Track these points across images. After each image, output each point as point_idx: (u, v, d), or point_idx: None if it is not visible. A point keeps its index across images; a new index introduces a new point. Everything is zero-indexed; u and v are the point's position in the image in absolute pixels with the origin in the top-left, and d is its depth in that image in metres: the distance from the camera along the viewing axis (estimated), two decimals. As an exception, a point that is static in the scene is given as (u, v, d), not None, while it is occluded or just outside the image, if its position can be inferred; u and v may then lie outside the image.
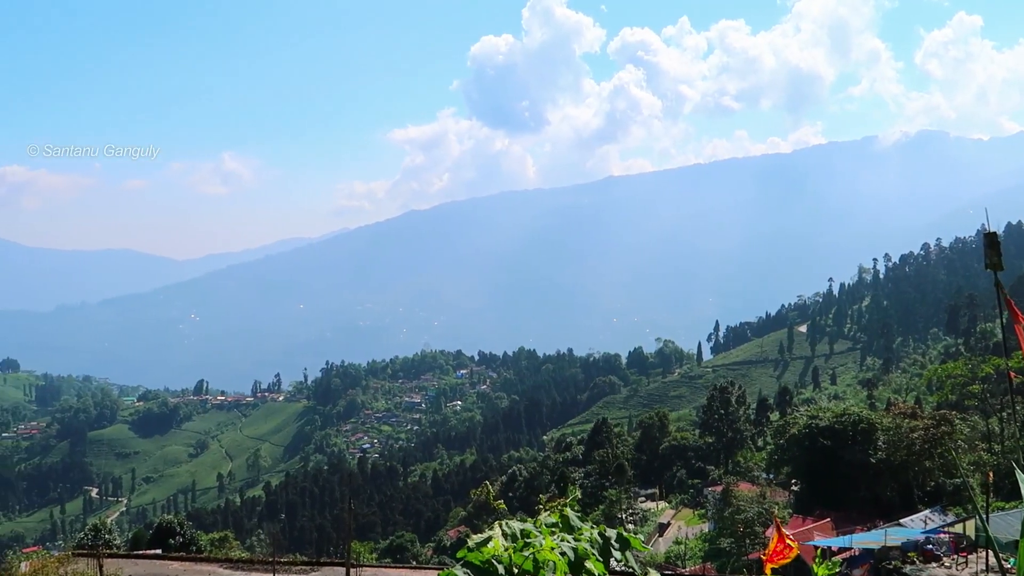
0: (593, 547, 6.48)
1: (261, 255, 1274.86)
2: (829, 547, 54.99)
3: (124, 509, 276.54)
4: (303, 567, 32.29)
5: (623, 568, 6.81)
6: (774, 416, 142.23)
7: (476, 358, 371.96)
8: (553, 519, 6.72)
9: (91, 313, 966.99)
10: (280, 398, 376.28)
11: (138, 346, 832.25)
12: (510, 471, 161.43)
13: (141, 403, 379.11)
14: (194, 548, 68.53)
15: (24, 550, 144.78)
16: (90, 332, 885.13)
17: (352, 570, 29.04)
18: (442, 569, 5.89)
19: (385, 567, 34.04)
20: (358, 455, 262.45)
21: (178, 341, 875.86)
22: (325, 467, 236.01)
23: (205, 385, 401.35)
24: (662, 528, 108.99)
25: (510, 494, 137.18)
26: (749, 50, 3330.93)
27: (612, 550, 6.60)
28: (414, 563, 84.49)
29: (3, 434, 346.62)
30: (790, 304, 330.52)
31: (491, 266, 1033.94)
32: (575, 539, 6.46)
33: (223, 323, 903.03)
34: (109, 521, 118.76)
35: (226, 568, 33.02)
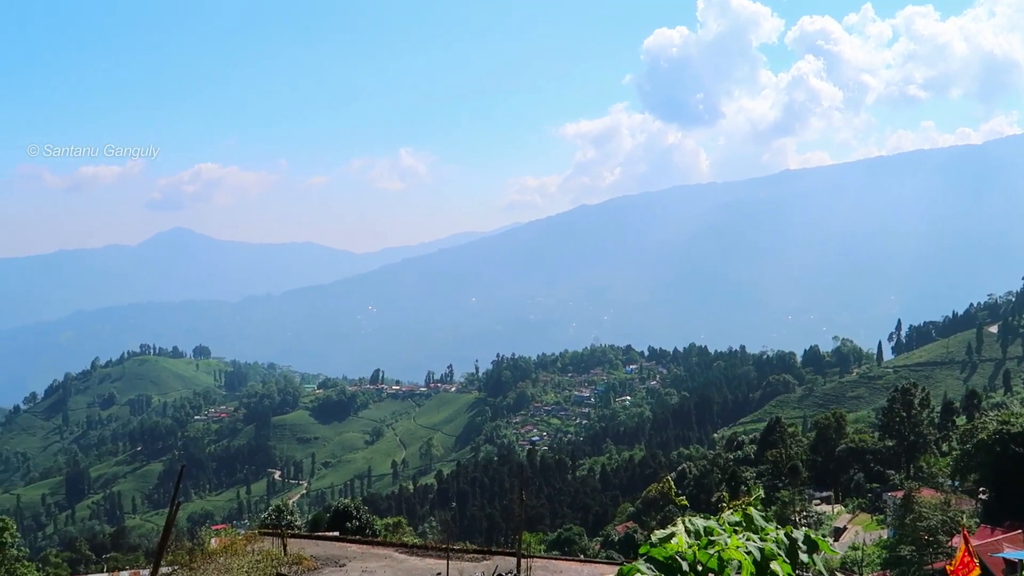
0: (779, 548, 6.39)
1: (435, 249, 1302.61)
2: (1020, 560, 52.18)
3: (304, 492, 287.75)
4: (475, 555, 32.68)
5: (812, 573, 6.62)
6: (960, 420, 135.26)
7: (646, 353, 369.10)
8: (736, 518, 6.65)
9: (276, 304, 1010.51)
10: (452, 389, 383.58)
11: (318, 336, 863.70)
12: (679, 468, 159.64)
13: (321, 391, 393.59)
14: (369, 532, 70.79)
15: (214, 527, 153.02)
16: (274, 322, 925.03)
17: (523, 560, 29.28)
18: (611, 563, 5.94)
19: (554, 559, 34.17)
20: (527, 447, 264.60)
21: (356, 331, 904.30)
22: (495, 458, 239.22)
23: (381, 375, 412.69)
24: (837, 532, 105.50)
25: (679, 492, 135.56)
26: (938, 36, 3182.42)
27: (799, 552, 6.50)
28: (582, 556, 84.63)
29: (196, 417, 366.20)
30: (979, 303, 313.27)
31: (662, 261, 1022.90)
32: (760, 539, 6.38)
33: (398, 315, 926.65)
34: (291, 503, 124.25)
35: (401, 552, 33.78)
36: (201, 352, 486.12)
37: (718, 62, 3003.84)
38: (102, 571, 71.92)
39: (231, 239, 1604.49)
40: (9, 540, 68.43)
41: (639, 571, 5.95)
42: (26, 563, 71.90)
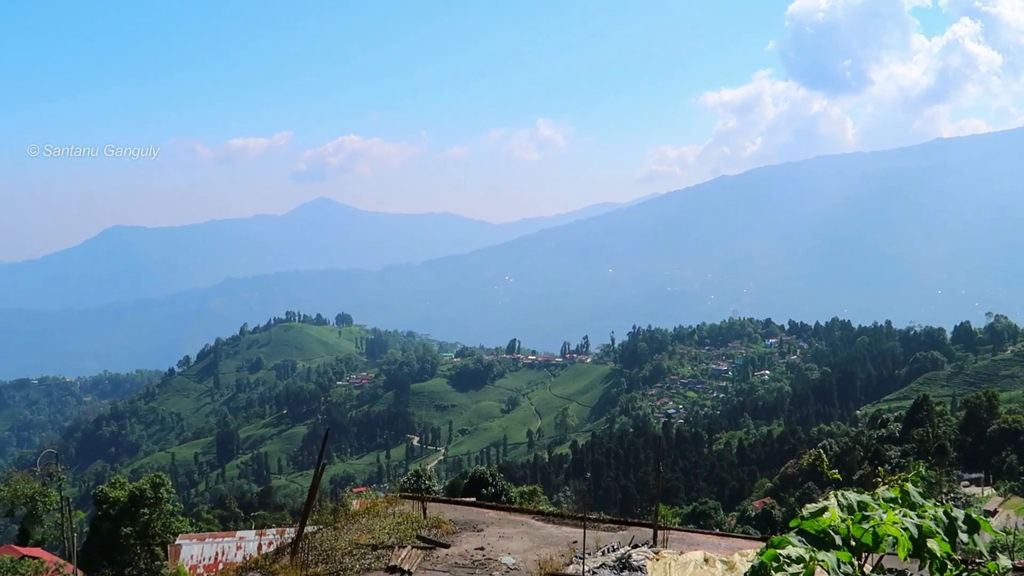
0: (938, 526, 6.22)
1: (572, 220, 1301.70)
2: None
3: (442, 458, 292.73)
4: (611, 525, 32.63)
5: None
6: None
7: (786, 327, 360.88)
8: (892, 494, 6.57)
9: (415, 273, 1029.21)
10: (588, 360, 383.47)
11: (456, 305, 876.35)
12: (820, 444, 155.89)
13: (459, 359, 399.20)
14: (505, 499, 71.55)
15: (354, 489, 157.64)
16: (414, 291, 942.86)
17: (659, 532, 29.11)
18: (748, 538, 5.89)
19: (691, 531, 33.83)
20: (663, 419, 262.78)
21: (492, 301, 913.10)
22: (630, 429, 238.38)
23: (517, 344, 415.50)
24: (987, 515, 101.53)
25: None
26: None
27: (958, 531, 6.31)
28: (717, 531, 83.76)
29: (338, 382, 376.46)
30: None
31: (804, 233, 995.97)
32: (918, 516, 6.23)
33: (535, 285, 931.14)
34: (428, 468, 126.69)
35: (537, 520, 33.99)
36: (343, 319, 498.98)
37: (867, 27, 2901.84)
38: (250, 528, 74.97)
39: (372, 209, 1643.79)
40: (165, 495, 71.94)
41: (791, 544, 5.85)
42: (180, 518, 75.48)
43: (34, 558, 55.66)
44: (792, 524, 6.14)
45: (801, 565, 5.73)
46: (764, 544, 5.87)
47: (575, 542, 29.28)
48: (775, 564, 5.75)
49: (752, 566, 5.85)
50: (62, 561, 57.04)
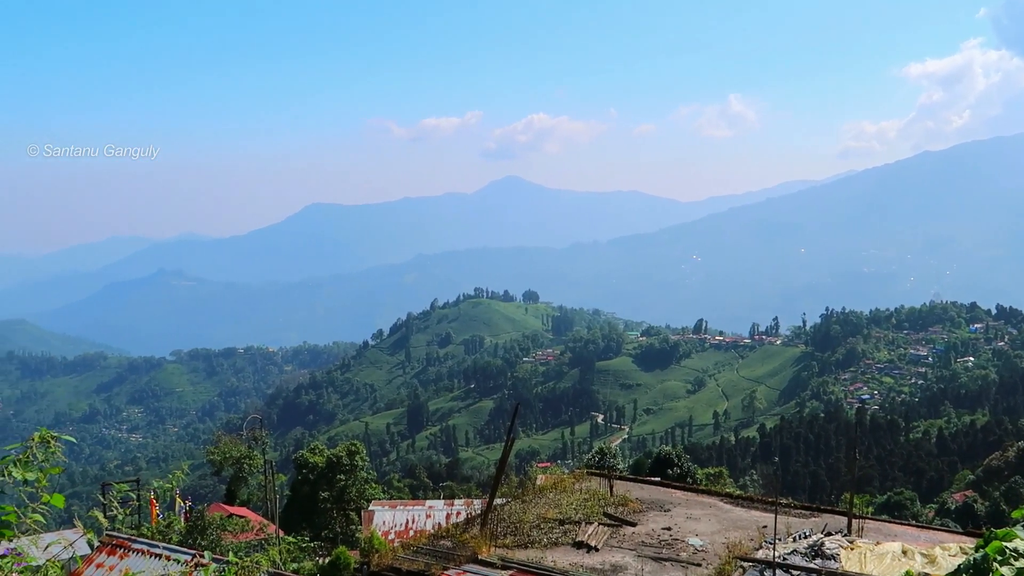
0: None
1: (763, 198, 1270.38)
2: None
3: (626, 436, 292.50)
4: (802, 511, 31.86)
5: None
6: None
7: (993, 312, 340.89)
8: None
9: (601, 251, 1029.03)
10: (777, 342, 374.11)
11: (642, 283, 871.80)
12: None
13: (644, 338, 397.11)
14: (690, 480, 70.94)
15: (539, 464, 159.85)
16: (599, 268, 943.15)
17: (853, 520, 28.23)
18: (949, 531, 5.64)
19: (887, 521, 32.63)
20: (856, 405, 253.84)
21: (679, 280, 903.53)
22: (821, 414, 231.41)
23: (704, 324, 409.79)
24: None
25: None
26: None
27: None
28: (914, 522, 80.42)
29: (524, 358, 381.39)
30: None
31: (1015, 213, 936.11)
32: None
33: (723, 264, 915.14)
34: (613, 446, 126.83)
35: (725, 502, 33.55)
36: (530, 296, 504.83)
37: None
38: (439, 498, 77.14)
39: (560, 187, 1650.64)
40: (360, 463, 75.15)
41: (1018, 537, 5.57)
42: (373, 485, 78.65)
43: (241, 517, 59.07)
44: (1015, 515, 5.90)
45: (1029, 559, 5.35)
46: (970, 537, 5.79)
47: (765, 527, 28.75)
48: (1000, 557, 5.41)
49: (971, 559, 5.49)
50: (265, 521, 60.33)
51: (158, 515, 45.11)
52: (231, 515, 57.04)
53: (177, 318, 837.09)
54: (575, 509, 30.48)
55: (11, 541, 4.35)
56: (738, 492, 45.64)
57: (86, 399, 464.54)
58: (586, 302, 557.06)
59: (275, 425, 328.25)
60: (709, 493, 36.16)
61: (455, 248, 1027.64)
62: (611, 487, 33.31)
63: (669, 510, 31.60)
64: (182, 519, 45.05)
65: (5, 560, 4.64)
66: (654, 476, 56.79)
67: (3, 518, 4.96)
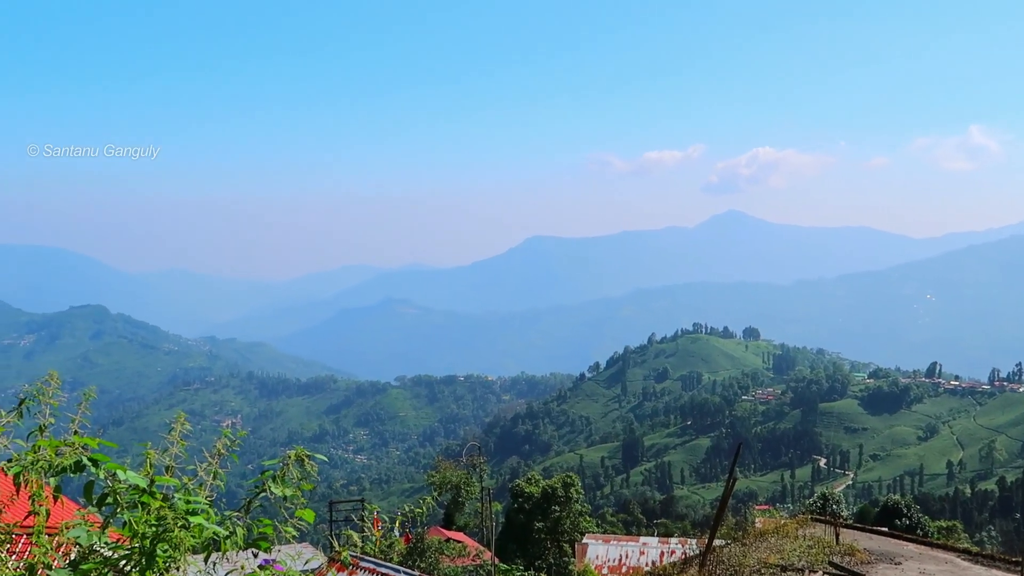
0: None
1: (1006, 234, 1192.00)
2: None
3: (850, 483, 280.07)
4: (1052, 574, 29.33)
5: None
6: None
7: None
8: None
9: (827, 288, 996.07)
10: (1020, 388, 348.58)
11: (869, 322, 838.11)
12: None
13: (871, 380, 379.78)
14: (920, 532, 66.92)
15: (757, 507, 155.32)
16: (824, 306, 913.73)
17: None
18: None
19: None
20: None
21: (910, 320, 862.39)
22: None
23: (938, 368, 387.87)
24: None
25: None
26: None
27: None
28: None
29: (743, 397, 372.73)
30: None
31: None
32: None
33: (960, 304, 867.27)
34: (836, 492, 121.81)
35: (964, 559, 31.34)
36: (750, 333, 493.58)
37: None
38: (653, 535, 76.22)
39: (784, 222, 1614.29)
40: (575, 495, 75.31)
41: None
42: (588, 518, 78.60)
43: (458, 541, 60.34)
44: None
45: None
46: None
47: (1008, 589, 26.65)
48: None
49: None
50: (481, 547, 61.31)
51: (380, 535, 46.56)
52: (448, 539, 58.32)
53: (402, 344, 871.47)
54: (798, 556, 29.25)
55: (268, 553, 5.39)
56: (975, 549, 42.66)
57: (316, 420, 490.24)
58: (809, 341, 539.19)
59: (492, 453, 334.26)
60: (945, 548, 33.92)
61: (674, 282, 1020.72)
62: (837, 535, 31.81)
63: (900, 563, 29.83)
64: (402, 541, 46.38)
65: (266, 571, 5.24)
66: (881, 526, 53.97)
67: (261, 531, 5.38)
